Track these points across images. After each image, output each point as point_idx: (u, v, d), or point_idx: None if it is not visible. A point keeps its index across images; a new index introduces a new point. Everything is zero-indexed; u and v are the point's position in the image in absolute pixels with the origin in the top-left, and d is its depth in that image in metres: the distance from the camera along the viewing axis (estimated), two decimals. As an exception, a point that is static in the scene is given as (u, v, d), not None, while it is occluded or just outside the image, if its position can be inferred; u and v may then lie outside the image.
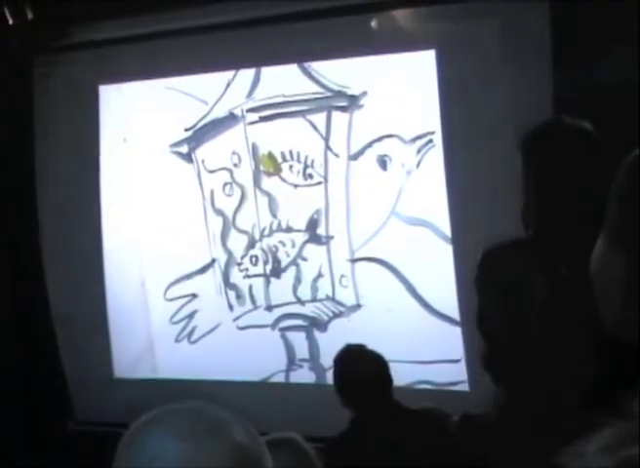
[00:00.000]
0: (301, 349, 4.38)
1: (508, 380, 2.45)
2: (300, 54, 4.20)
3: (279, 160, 4.30)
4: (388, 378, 3.05)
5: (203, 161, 4.50)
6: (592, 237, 1.97)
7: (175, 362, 4.64)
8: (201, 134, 4.47)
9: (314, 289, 4.31)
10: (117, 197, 4.70)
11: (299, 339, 4.37)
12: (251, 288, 4.46)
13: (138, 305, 4.69)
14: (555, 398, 2.31)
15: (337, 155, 4.18)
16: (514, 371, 2.43)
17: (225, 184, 4.45)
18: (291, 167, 4.27)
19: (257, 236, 4.41)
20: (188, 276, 4.57)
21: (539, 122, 2.52)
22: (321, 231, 4.27)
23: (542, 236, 2.38)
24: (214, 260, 4.52)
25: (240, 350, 4.43)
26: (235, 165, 4.41)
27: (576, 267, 2.15)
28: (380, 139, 4.08)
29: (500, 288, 2.43)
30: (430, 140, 3.98)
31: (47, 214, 4.82)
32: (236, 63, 4.34)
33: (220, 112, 4.41)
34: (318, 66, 4.18)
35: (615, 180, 1.50)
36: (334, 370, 3.16)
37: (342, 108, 4.15)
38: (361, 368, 3.04)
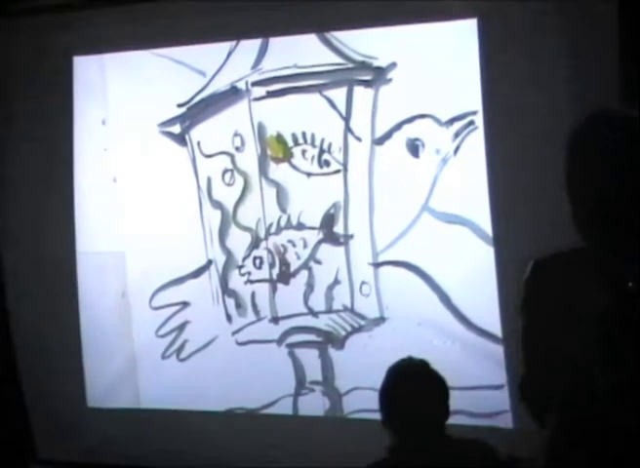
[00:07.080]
0: (313, 370, 4.20)
1: (557, 419, 2.21)
2: (316, 22, 4.02)
3: (290, 143, 4.14)
4: (447, 409, 2.85)
5: (199, 143, 4.34)
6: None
7: (161, 384, 4.49)
8: (197, 111, 4.32)
9: (329, 298, 4.12)
10: (94, 188, 4.53)
11: (310, 358, 4.20)
12: (253, 295, 4.29)
13: (117, 317, 4.54)
14: (618, 442, 2.07)
15: (358, 138, 4.01)
16: (565, 408, 2.19)
17: (225, 171, 4.29)
18: (304, 152, 4.11)
19: (262, 234, 4.24)
20: (179, 280, 4.40)
21: (587, 115, 2.28)
22: (339, 229, 4.09)
23: (603, 246, 2.21)
24: (210, 262, 4.36)
25: (239, 370, 4.28)
26: (237, 148, 4.25)
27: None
28: (410, 120, 3.91)
29: (553, 306, 2.23)
30: (471, 122, 3.79)
31: (10, 211, 4.71)
32: (239, 33, 4.17)
33: (220, 85, 4.25)
34: (339, 32, 4.01)
35: None
36: (383, 382, 2.93)
37: (366, 83, 3.98)
38: (421, 391, 2.87)
